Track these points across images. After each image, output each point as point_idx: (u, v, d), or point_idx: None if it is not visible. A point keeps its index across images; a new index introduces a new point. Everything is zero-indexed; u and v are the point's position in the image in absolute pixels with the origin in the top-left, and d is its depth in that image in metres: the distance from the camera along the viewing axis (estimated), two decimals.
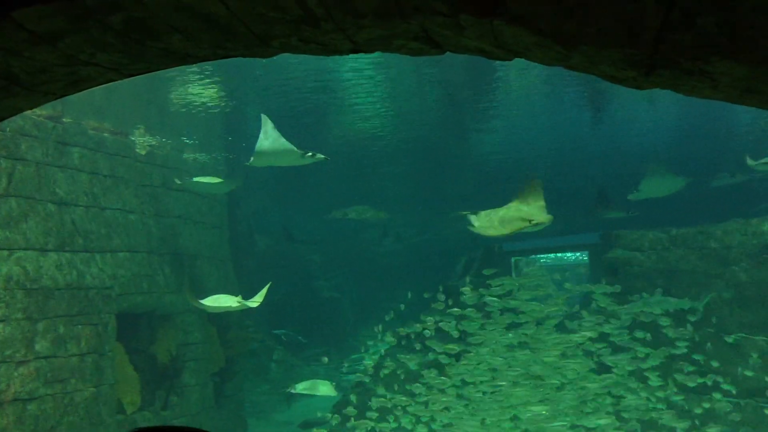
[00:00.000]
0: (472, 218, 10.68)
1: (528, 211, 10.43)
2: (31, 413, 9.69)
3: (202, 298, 12.49)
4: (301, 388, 13.87)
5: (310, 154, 13.39)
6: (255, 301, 12.14)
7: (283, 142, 13.26)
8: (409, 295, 14.29)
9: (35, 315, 9.95)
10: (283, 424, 18.57)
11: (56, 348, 10.24)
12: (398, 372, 13.99)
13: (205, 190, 14.94)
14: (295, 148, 13.34)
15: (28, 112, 9.29)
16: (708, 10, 1.89)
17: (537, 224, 10.28)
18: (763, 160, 14.95)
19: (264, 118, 13.34)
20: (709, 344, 13.04)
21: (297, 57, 13.16)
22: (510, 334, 12.25)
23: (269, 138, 13.25)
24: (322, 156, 13.46)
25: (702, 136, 18.92)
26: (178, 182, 14.00)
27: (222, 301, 12.01)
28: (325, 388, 13.72)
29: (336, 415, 13.83)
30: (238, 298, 12.01)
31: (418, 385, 12.63)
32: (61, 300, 10.43)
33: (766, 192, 19.31)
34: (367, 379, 15.30)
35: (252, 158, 13.57)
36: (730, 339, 13.00)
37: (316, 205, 24.69)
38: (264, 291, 12.44)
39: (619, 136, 19.56)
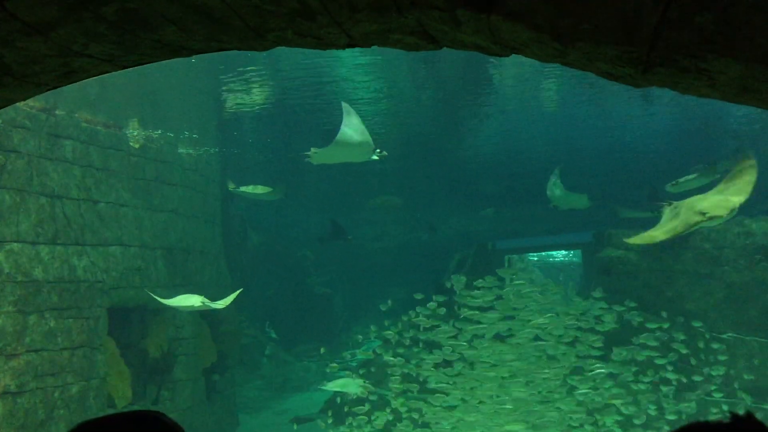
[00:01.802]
0: (665, 211, 9.84)
1: (709, 203, 9.05)
2: (21, 407, 9.65)
3: (196, 293, 12.45)
4: (331, 386, 13.90)
5: (378, 150, 12.73)
6: (221, 303, 12.02)
7: (367, 135, 12.29)
8: (390, 302, 14.19)
9: (26, 308, 9.90)
10: (274, 419, 18.56)
11: (47, 341, 10.20)
12: (387, 370, 14.02)
13: (253, 198, 14.79)
14: (372, 143, 12.50)
15: (21, 103, 9.25)
16: (705, 7, 1.89)
17: (713, 218, 8.95)
18: (672, 182, 14.55)
19: (346, 106, 12.41)
20: (700, 343, 13.11)
21: (291, 52, 13.12)
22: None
23: (356, 129, 12.18)
24: (385, 153, 12.83)
25: (698, 134, 18.98)
26: (231, 188, 13.90)
27: (185, 301, 11.89)
28: (354, 387, 13.69)
29: (328, 412, 13.84)
30: (202, 298, 11.87)
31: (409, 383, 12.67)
32: (52, 293, 10.39)
33: (759, 193, 19.36)
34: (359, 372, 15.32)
35: (322, 150, 12.51)
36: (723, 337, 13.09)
37: (309, 201, 24.69)
38: (234, 295, 12.36)
39: (616, 133, 19.62)
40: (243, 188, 14.40)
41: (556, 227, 22.36)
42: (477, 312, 12.06)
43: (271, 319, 23.02)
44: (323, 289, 25.73)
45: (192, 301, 11.82)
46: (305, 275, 25.49)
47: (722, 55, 2.00)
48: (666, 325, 12.57)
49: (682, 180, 14.38)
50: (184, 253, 14.36)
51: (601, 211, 19.04)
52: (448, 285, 12.95)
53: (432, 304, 12.39)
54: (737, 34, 1.93)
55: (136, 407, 12.29)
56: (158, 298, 11.91)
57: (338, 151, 12.52)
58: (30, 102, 10.16)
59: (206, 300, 11.84)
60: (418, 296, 12.75)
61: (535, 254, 29.41)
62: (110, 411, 11.53)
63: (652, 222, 16.58)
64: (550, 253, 30.96)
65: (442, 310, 12.49)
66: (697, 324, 13.07)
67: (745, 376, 12.99)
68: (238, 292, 12.55)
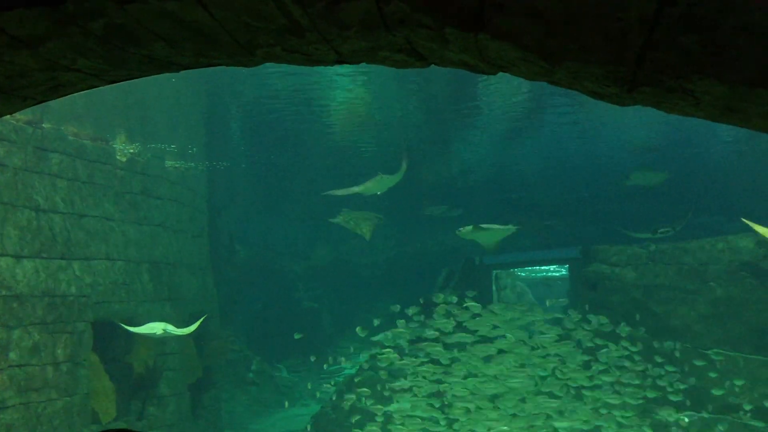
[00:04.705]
0: None
1: None
2: (3, 422, 9.53)
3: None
4: (394, 407, 13.84)
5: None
6: (185, 330, 12.14)
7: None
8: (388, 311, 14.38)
9: (10, 322, 9.80)
10: None
11: (31, 356, 10.09)
12: (375, 380, 14.00)
13: (349, 226, 15.20)
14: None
15: (7, 116, 9.18)
16: (691, 29, 1.91)
17: None
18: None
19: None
20: (683, 359, 13.15)
21: (278, 67, 13.13)
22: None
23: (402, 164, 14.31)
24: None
25: (681, 149, 19.12)
26: (335, 220, 14.62)
27: (149, 329, 11.91)
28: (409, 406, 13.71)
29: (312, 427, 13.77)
30: (164, 326, 11.91)
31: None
32: (36, 307, 10.30)
33: (744, 209, 19.51)
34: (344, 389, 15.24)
35: (393, 175, 14.34)
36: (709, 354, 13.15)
37: (297, 214, 24.63)
38: (198, 322, 12.55)
39: (601, 150, 19.71)
40: (340, 220, 14.86)
41: (544, 242, 22.41)
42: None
43: (255, 331, 22.87)
44: (311, 303, 25.64)
45: (155, 329, 11.82)
46: (293, 289, 25.41)
47: (707, 75, 2.02)
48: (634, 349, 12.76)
49: (485, 226, 15.18)
50: (170, 267, 14.27)
51: (588, 227, 19.14)
52: (438, 300, 13.04)
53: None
54: (722, 55, 1.95)
55: (121, 423, 12.16)
56: (125, 326, 11.89)
57: (396, 178, 14.38)
58: (16, 115, 10.11)
59: (168, 327, 11.88)
60: (376, 322, 13.18)
61: (526, 269, 29.31)
62: (94, 427, 11.40)
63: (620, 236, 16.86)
64: (546, 267, 30.76)
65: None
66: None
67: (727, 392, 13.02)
68: (202, 318, 12.87)
